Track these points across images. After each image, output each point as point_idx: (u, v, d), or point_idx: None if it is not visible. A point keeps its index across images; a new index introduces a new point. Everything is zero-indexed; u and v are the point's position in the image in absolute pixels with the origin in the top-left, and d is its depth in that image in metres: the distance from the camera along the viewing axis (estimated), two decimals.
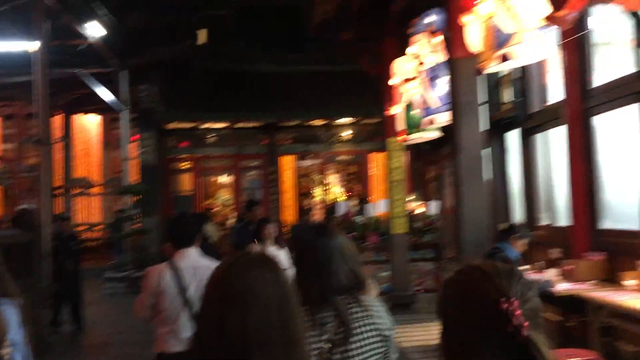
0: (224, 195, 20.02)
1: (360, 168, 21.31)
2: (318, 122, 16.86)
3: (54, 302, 8.16)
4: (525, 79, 6.61)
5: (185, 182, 17.32)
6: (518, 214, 7.25)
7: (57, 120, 18.30)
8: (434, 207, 10.30)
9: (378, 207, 10.61)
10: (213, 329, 1.05)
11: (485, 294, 1.00)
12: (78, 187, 17.61)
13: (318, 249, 1.96)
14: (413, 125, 6.62)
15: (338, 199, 17.37)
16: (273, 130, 16.73)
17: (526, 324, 0.96)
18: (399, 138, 7.57)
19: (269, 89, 17.93)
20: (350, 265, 1.97)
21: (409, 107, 6.59)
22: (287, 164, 18.08)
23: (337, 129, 17.05)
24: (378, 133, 17.18)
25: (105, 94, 14.62)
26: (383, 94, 7.74)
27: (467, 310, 1.02)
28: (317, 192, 20.89)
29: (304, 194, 21.15)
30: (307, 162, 21.10)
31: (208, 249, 4.01)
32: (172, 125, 16.88)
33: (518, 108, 6.72)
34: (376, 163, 17.98)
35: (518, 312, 0.96)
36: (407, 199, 8.43)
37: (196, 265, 3.40)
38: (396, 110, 6.84)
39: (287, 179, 18.09)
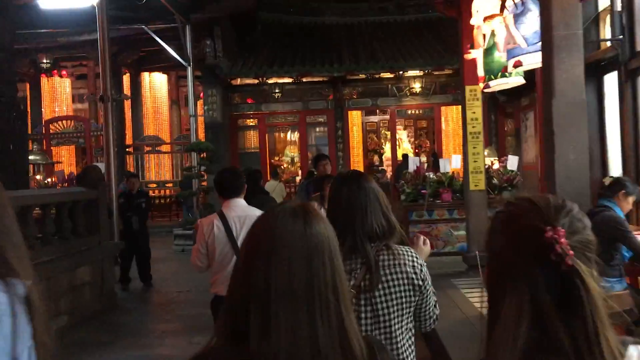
0: (291, 152, 19.80)
1: (430, 122, 20.48)
2: (386, 75, 16.12)
3: (122, 259, 8.16)
4: (631, 12, 5.73)
5: (252, 139, 17.15)
6: (616, 168, 6.47)
7: (126, 79, 18.50)
8: (512, 162, 9.53)
9: (452, 163, 9.95)
10: (240, 280, 1.03)
11: (530, 223, 0.97)
12: (148, 145, 17.81)
13: (352, 196, 1.94)
14: (494, 71, 5.92)
15: (408, 155, 16.72)
16: (340, 84, 16.16)
17: (571, 252, 0.92)
18: (478, 85, 6.88)
19: (336, 42, 17.30)
20: (383, 212, 1.95)
21: (490, 49, 5.88)
22: (355, 120, 17.52)
23: (407, 82, 16.25)
24: (450, 85, 16.31)
25: (170, 51, 14.45)
26: (460, 38, 7.02)
27: (511, 239, 0.99)
28: (386, 148, 20.30)
29: (372, 150, 20.62)
30: (376, 117, 20.47)
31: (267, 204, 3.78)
32: (238, 82, 16.65)
33: (620, 46, 5.87)
34: (447, 117, 17.14)
35: (563, 240, 0.92)
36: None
37: (244, 214, 3.59)
38: (475, 54, 6.15)
39: (354, 134, 17.56)
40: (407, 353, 1.95)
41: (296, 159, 19.19)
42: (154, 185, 17.40)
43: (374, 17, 19.16)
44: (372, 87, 16.42)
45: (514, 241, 0.98)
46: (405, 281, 1.90)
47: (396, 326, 1.91)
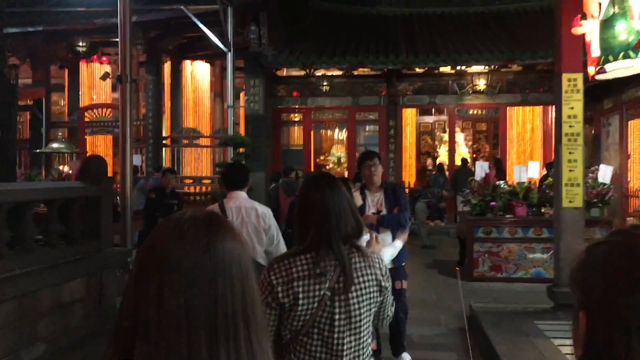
0: (338, 152, 18.42)
1: (491, 125, 18.77)
2: (446, 70, 14.54)
3: None
4: None
5: (296, 136, 15.86)
6: None
7: (167, 67, 17.50)
8: (605, 174, 7.88)
9: (528, 171, 8.38)
10: (129, 303, 0.86)
11: None
12: (186, 138, 16.72)
13: (328, 198, 1.97)
14: (614, 49, 4.38)
15: (467, 160, 15.10)
16: (394, 79, 14.67)
17: None
18: (580, 74, 5.33)
19: (391, 33, 15.83)
20: (353, 214, 1.99)
21: (611, 20, 4.34)
22: (409, 119, 16.01)
23: (470, 79, 14.62)
24: (518, 84, 14.55)
25: (211, 35, 13.24)
26: (558, 8, 5.46)
27: (623, 281, 0.82)
28: (440, 151, 18.69)
29: (425, 152, 19.02)
30: (430, 117, 18.88)
31: None
32: (283, 73, 15.39)
33: None
34: (511, 119, 15.40)
35: None
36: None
37: (241, 205, 3.86)
38: (588, 27, 4.60)
39: (407, 135, 16.04)
40: (368, 349, 2.02)
41: (343, 159, 17.82)
42: (190, 180, 16.31)
43: (434, 8, 17.61)
44: (430, 84, 14.86)
45: (628, 283, 0.81)
46: (374, 282, 1.97)
47: (364, 326, 1.96)
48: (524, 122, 15.88)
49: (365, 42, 14.95)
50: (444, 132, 19.21)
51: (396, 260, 4.40)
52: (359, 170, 5.04)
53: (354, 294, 1.90)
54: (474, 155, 17.82)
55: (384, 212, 4.54)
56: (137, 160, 14.92)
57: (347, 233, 1.94)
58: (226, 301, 0.84)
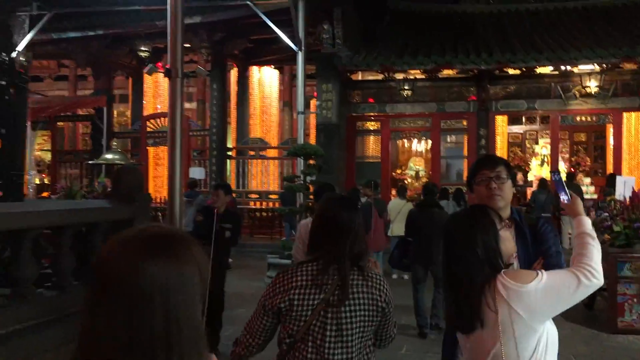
0: (416, 165, 16.69)
1: (591, 135, 16.59)
2: (547, 71, 12.58)
3: None
4: None
5: (371, 147, 14.25)
6: None
7: (233, 74, 16.41)
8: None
9: None
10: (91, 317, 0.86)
11: None
12: (252, 149, 15.46)
13: (352, 219, 2.06)
14: None
15: (574, 174, 13.00)
16: (486, 81, 12.82)
17: None
18: None
19: (480, 31, 14.02)
20: (364, 237, 2.12)
21: None
22: (499, 128, 14.06)
23: (576, 80, 12.54)
24: (633, 86, 12.42)
25: (280, 33, 11.88)
26: None
27: None
28: (532, 165, 16.63)
29: (515, 166, 16.94)
30: (522, 127, 16.88)
31: None
32: (359, 77, 13.89)
33: None
34: (623, 127, 13.18)
35: None
36: None
37: None
38: None
39: (499, 145, 14.09)
40: None
41: (422, 173, 16.07)
42: (256, 195, 15.01)
43: (527, 5, 15.66)
44: (528, 86, 12.91)
45: None
46: (371, 302, 2.00)
47: (355, 341, 1.98)
48: (638, 130, 13.61)
49: (451, 41, 13.23)
50: (536, 143, 17.16)
51: None
52: (469, 185, 2.50)
53: (347, 309, 1.95)
54: (572, 170, 15.60)
55: (516, 265, 2.39)
56: (201, 173, 13.79)
57: (356, 253, 2.03)
58: (145, 327, 0.83)
